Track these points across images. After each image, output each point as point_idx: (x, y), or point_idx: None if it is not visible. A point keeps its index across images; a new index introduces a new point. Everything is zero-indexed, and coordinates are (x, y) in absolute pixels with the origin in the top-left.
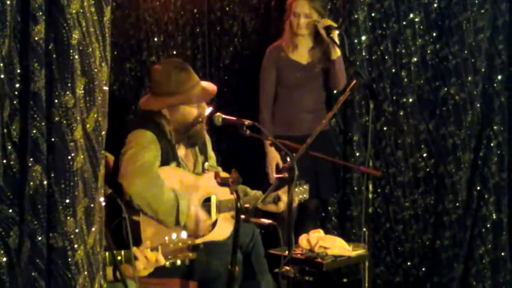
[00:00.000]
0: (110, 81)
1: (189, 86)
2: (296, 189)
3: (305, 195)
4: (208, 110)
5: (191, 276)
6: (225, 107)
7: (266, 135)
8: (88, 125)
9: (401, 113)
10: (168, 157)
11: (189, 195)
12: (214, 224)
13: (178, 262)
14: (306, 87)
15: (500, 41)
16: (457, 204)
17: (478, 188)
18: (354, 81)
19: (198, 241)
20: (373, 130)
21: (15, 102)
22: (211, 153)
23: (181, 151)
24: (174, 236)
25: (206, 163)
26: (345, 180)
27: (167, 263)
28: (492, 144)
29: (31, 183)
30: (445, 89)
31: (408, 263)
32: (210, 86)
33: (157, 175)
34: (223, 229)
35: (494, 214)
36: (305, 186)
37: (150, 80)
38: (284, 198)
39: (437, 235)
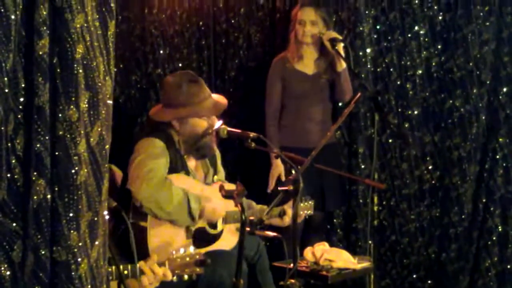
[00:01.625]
0: (116, 94)
1: (200, 99)
2: (301, 204)
3: (309, 211)
4: (218, 123)
5: (196, 286)
6: (231, 119)
7: (272, 148)
8: (92, 139)
9: (406, 125)
10: (176, 167)
11: None
12: (220, 235)
13: (185, 277)
14: (312, 98)
15: (505, 53)
16: (463, 216)
17: (484, 200)
18: (359, 94)
19: (204, 250)
20: (378, 142)
21: (19, 116)
22: (220, 168)
23: (191, 162)
24: (181, 250)
25: (215, 177)
26: (350, 192)
27: (174, 278)
28: (497, 157)
29: (35, 197)
30: (450, 101)
31: (414, 276)
32: (221, 100)
33: (165, 178)
34: (229, 240)
35: (500, 227)
36: (310, 202)
37: (162, 90)
38: (290, 212)
39: (442, 248)
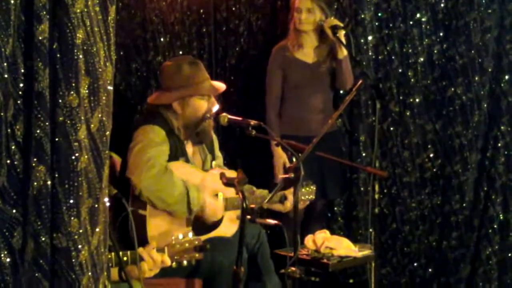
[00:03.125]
0: (116, 81)
1: (200, 79)
2: (303, 190)
3: (311, 196)
4: (216, 107)
5: (196, 273)
6: (231, 107)
7: (272, 136)
8: (92, 125)
9: (408, 113)
10: (176, 153)
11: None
12: (220, 221)
13: (185, 263)
14: (313, 87)
15: (508, 41)
16: (464, 204)
17: (485, 188)
18: (361, 81)
19: (204, 237)
20: (380, 130)
21: (19, 102)
22: (218, 153)
23: (189, 148)
24: (180, 236)
25: (214, 162)
26: (351, 180)
27: (174, 264)
28: (499, 145)
29: (35, 183)
30: (452, 89)
31: (415, 264)
32: (219, 83)
33: (165, 167)
34: (229, 227)
35: (501, 215)
36: (312, 187)
37: (161, 76)
38: (291, 197)
39: (443, 236)
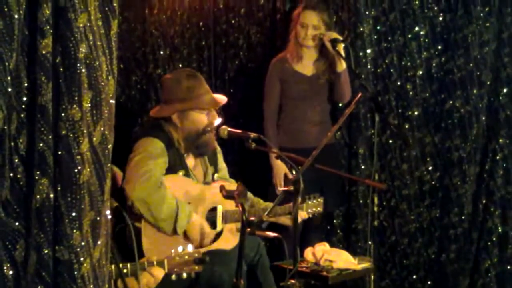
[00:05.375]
0: (116, 94)
1: (200, 93)
2: (310, 202)
3: (319, 208)
4: (218, 120)
5: (196, 286)
6: (231, 120)
7: (272, 148)
8: (94, 138)
9: (407, 126)
10: (175, 166)
11: (194, 205)
12: (219, 234)
13: (184, 275)
14: (311, 100)
15: (506, 54)
16: (463, 217)
17: (484, 201)
18: (360, 94)
19: (203, 250)
20: (379, 143)
21: (22, 115)
22: (222, 165)
23: (190, 160)
24: (180, 249)
25: (216, 174)
26: (350, 193)
27: (173, 276)
28: (497, 157)
29: (38, 196)
30: (451, 102)
31: (414, 277)
32: (220, 96)
33: (160, 182)
34: (229, 240)
35: (500, 227)
36: (319, 199)
37: (161, 89)
38: (300, 212)
39: (442, 249)
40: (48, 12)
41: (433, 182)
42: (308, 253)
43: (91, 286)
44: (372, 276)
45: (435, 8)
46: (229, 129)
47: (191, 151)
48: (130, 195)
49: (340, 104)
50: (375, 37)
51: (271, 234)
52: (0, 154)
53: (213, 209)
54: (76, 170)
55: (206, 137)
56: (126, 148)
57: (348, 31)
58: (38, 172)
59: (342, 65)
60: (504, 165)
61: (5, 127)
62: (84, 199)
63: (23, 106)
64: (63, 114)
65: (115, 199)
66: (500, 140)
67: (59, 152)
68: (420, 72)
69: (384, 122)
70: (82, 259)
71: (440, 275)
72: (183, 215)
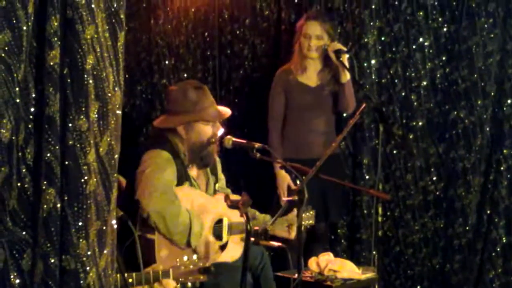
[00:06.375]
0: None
1: (205, 105)
2: (303, 215)
3: (311, 221)
4: (221, 131)
5: None
6: (235, 130)
7: (276, 158)
8: (101, 149)
9: (411, 137)
10: (181, 178)
11: (202, 216)
12: (224, 246)
13: (189, 284)
14: (315, 110)
15: (510, 65)
16: (467, 227)
17: (488, 211)
18: (364, 105)
19: (209, 263)
20: (383, 153)
21: (30, 126)
22: (221, 175)
23: (193, 172)
24: (185, 258)
25: (217, 184)
26: (354, 203)
27: (178, 285)
28: (502, 168)
29: (45, 206)
30: (455, 112)
31: (418, 287)
32: (225, 109)
33: (175, 195)
34: (233, 251)
35: (504, 238)
36: (311, 212)
37: (167, 100)
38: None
39: (447, 259)
40: (56, 24)
41: (437, 193)
42: (312, 262)
43: None
44: (376, 286)
45: (440, 19)
46: (234, 139)
47: (195, 162)
48: (146, 208)
49: (344, 115)
50: (380, 48)
51: (275, 243)
52: (8, 164)
53: (219, 221)
54: (82, 180)
55: (210, 148)
56: (131, 158)
57: (353, 42)
58: (45, 182)
59: (346, 76)
60: (509, 175)
61: (13, 138)
62: (90, 208)
63: (31, 117)
64: (70, 125)
65: (119, 206)
66: (505, 151)
67: (66, 162)
68: (425, 83)
69: (388, 133)
70: (88, 268)
71: (444, 285)
72: (196, 229)
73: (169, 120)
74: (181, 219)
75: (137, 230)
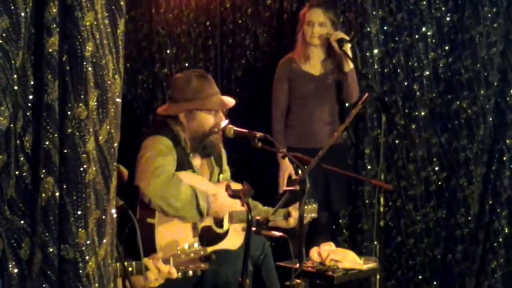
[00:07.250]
0: (123, 92)
1: (208, 93)
2: (305, 207)
3: (314, 214)
4: (225, 122)
5: (201, 286)
6: (237, 119)
7: (278, 148)
8: (100, 137)
9: (413, 127)
10: (183, 165)
11: None
12: (225, 234)
13: (190, 273)
14: (319, 99)
15: None
16: (469, 218)
17: (490, 202)
18: (366, 94)
19: (210, 249)
20: (385, 143)
21: (28, 113)
22: (226, 167)
23: (197, 160)
24: (186, 246)
25: (221, 175)
26: (356, 193)
27: (179, 274)
28: (504, 158)
29: (43, 195)
30: (458, 102)
31: (420, 277)
32: (228, 99)
33: (172, 174)
34: (234, 240)
35: (506, 228)
36: (314, 205)
37: (171, 88)
38: (294, 214)
39: (448, 249)
40: (54, 10)
41: (439, 183)
42: (314, 252)
43: (96, 284)
44: (378, 277)
45: (443, 8)
46: (235, 128)
47: (198, 151)
48: (146, 192)
49: (347, 104)
50: (382, 37)
51: (276, 233)
52: (6, 152)
53: None
54: (81, 169)
55: (212, 138)
56: (132, 147)
57: (355, 31)
58: (43, 171)
59: (349, 65)
60: (511, 166)
61: (11, 125)
62: (89, 197)
63: (29, 104)
64: (69, 113)
65: (121, 197)
66: (507, 141)
67: (65, 151)
68: (427, 73)
69: (390, 122)
70: (87, 257)
71: (446, 275)
72: (201, 196)
73: (171, 107)
74: (184, 193)
75: (137, 215)
